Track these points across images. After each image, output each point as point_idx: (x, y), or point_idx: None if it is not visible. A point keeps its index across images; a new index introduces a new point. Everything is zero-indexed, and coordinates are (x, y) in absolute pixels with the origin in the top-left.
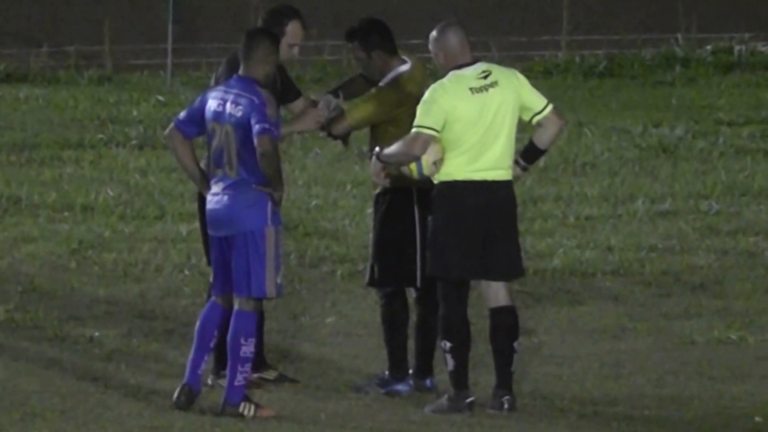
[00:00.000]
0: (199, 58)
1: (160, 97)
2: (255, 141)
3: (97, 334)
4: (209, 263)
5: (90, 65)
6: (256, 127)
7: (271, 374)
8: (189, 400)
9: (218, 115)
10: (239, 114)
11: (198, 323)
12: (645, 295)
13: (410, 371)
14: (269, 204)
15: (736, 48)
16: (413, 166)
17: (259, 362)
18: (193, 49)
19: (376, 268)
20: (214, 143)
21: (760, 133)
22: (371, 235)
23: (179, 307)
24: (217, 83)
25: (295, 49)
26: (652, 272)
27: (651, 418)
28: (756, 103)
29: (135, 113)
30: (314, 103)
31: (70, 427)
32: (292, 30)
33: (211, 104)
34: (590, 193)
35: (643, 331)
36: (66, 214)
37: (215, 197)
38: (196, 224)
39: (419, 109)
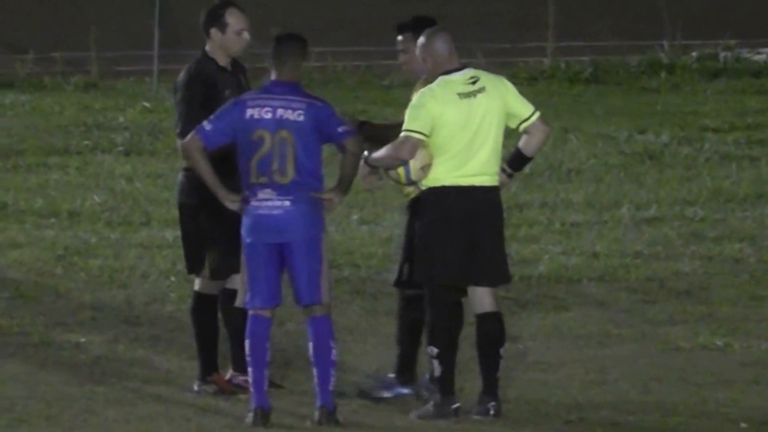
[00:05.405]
0: (185, 65)
1: (146, 104)
2: (346, 143)
3: (83, 339)
4: (191, 272)
5: (76, 71)
6: (341, 129)
7: None
8: (265, 420)
9: (268, 123)
10: (302, 119)
11: (248, 342)
12: (630, 301)
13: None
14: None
15: (722, 54)
16: (401, 170)
17: (246, 367)
18: (178, 56)
19: (405, 270)
20: (261, 150)
21: (745, 140)
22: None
23: (165, 313)
24: (175, 90)
25: (244, 34)
26: (637, 278)
27: (636, 424)
28: (741, 110)
29: (121, 119)
30: None
31: None
32: (232, 18)
33: (254, 112)
34: (575, 199)
35: (628, 337)
36: (52, 220)
37: (265, 203)
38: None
39: (407, 114)
